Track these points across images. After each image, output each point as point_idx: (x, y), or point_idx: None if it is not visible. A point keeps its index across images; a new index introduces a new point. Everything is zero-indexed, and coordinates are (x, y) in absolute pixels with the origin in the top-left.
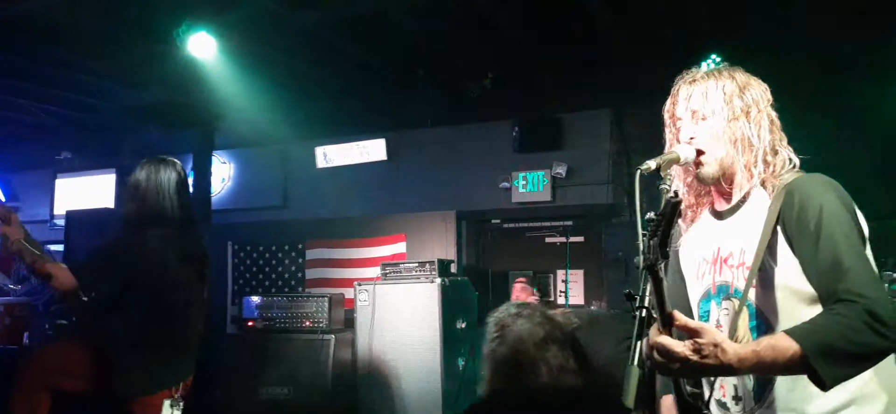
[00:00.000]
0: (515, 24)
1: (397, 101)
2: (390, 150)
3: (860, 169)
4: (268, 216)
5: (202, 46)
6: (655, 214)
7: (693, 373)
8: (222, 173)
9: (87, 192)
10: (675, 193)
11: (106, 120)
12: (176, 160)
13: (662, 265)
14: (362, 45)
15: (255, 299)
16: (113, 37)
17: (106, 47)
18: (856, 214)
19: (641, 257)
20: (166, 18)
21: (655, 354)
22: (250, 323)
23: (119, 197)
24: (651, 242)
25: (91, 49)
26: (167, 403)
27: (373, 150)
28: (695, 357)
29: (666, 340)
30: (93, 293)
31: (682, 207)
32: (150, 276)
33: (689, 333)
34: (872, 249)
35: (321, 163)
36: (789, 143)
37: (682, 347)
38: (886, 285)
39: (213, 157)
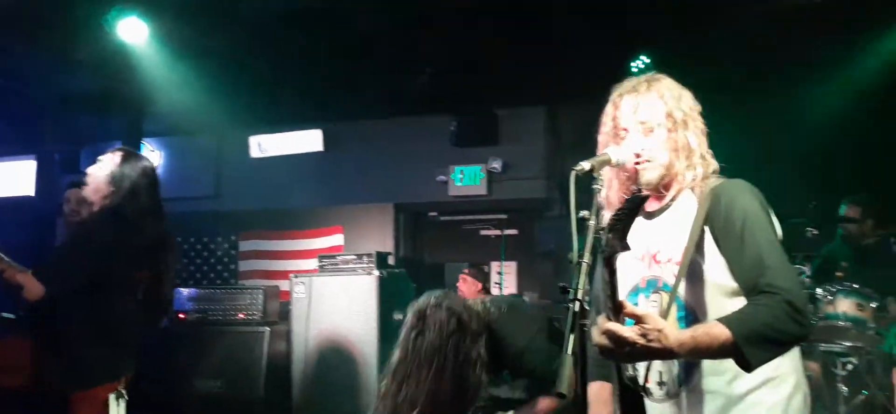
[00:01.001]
0: (454, 20)
1: (335, 92)
2: (327, 141)
3: (769, 173)
4: (200, 206)
5: (133, 31)
6: (617, 209)
7: (639, 357)
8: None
9: (4, 179)
10: (640, 189)
11: (27, 105)
12: (146, 155)
13: (617, 257)
14: (299, 34)
15: (187, 291)
16: (37, 18)
17: (30, 29)
18: (772, 217)
19: (575, 253)
20: (96, 2)
21: (605, 341)
22: (182, 315)
23: (39, 185)
24: (610, 234)
25: (12, 31)
26: (112, 396)
27: (309, 140)
28: (641, 341)
29: (616, 326)
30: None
31: (609, 205)
32: (111, 273)
33: (636, 320)
34: (785, 241)
35: (256, 153)
36: (710, 143)
37: (630, 332)
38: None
39: (142, 145)
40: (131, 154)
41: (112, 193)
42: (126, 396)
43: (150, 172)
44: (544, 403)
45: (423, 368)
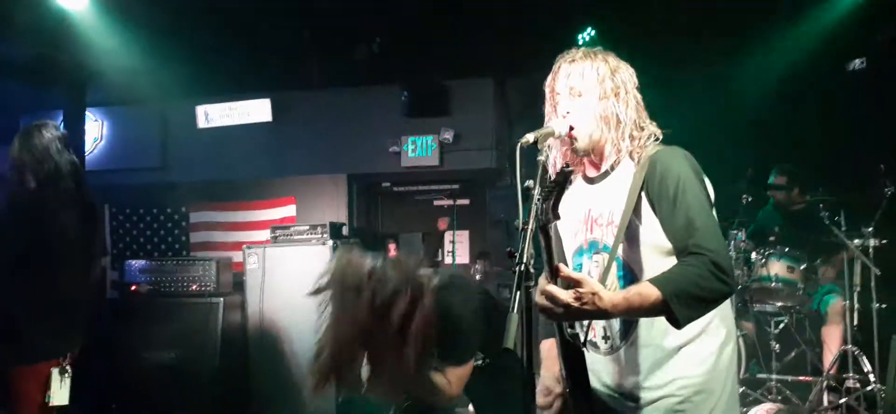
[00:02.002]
0: None
1: (283, 61)
2: (276, 111)
3: (713, 138)
4: (146, 178)
5: None
6: (547, 181)
7: (575, 317)
8: (94, 132)
9: None
10: (567, 164)
11: None
12: (52, 122)
13: (553, 226)
14: (246, 1)
15: (138, 263)
16: None
17: None
18: (704, 182)
19: (521, 220)
20: None
21: (544, 301)
22: (133, 287)
23: None
24: (544, 205)
25: None
26: (55, 371)
27: (257, 110)
28: (576, 303)
29: (553, 288)
30: None
31: (555, 173)
32: (42, 245)
33: (572, 283)
34: (722, 207)
35: (202, 123)
36: (653, 113)
37: (566, 294)
38: (733, 239)
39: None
40: (32, 128)
41: (16, 173)
42: (70, 372)
43: (55, 143)
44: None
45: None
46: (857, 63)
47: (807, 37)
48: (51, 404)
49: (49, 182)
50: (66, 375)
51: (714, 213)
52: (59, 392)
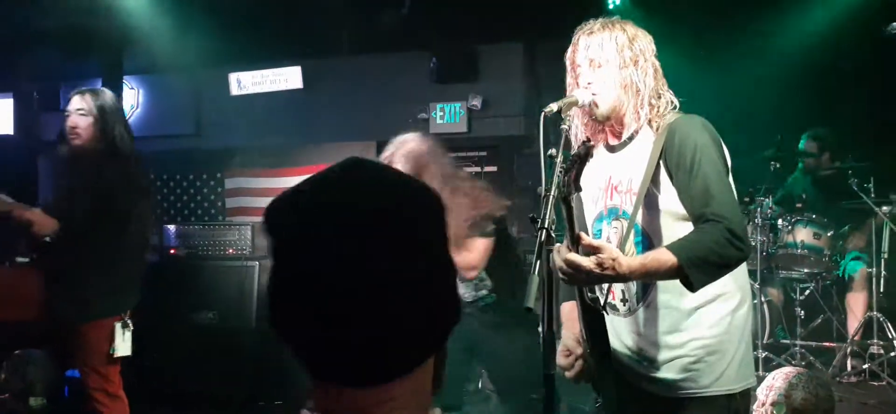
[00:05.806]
0: None
1: (313, 28)
2: (307, 78)
3: (743, 103)
4: (182, 144)
5: None
6: (568, 153)
7: (595, 282)
8: (130, 100)
9: None
10: (588, 139)
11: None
12: (106, 90)
13: (574, 197)
14: None
15: (176, 228)
16: None
17: None
18: (722, 150)
19: (544, 187)
20: None
21: (566, 268)
22: (172, 251)
23: (17, 123)
24: (566, 177)
25: None
26: (118, 325)
27: (288, 77)
28: (597, 269)
29: (574, 256)
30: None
31: (576, 142)
32: (111, 207)
33: (592, 251)
34: (751, 173)
35: (235, 90)
36: (685, 79)
37: (587, 261)
38: (760, 206)
39: (122, 83)
40: (98, 92)
41: (102, 133)
42: (131, 326)
43: (119, 109)
44: None
45: None
46: (895, 26)
47: None
48: (115, 355)
49: (111, 151)
50: (128, 328)
51: (731, 180)
52: (123, 344)
